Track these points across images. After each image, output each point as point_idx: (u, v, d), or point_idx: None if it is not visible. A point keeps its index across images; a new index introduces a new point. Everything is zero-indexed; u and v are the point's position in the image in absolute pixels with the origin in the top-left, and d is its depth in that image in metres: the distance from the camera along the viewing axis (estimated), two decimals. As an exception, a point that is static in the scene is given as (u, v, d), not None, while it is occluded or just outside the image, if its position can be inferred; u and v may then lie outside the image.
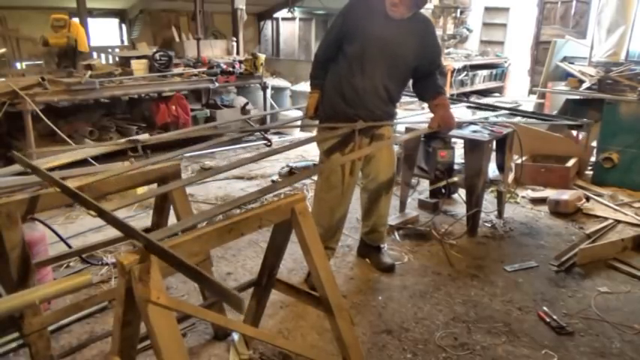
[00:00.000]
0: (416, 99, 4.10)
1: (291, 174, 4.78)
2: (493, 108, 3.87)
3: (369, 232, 3.14)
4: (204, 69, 5.79)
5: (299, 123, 3.73)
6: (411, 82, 2.95)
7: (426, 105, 3.07)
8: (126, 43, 8.49)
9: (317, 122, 2.93)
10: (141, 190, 4.13)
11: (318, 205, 2.93)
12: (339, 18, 2.76)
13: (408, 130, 3.70)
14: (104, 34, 8.43)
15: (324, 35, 2.90)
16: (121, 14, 8.52)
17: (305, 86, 6.82)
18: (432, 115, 2.90)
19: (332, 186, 2.84)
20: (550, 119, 3.70)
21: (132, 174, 2.12)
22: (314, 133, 3.15)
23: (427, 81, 2.88)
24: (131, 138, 2.26)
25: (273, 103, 6.77)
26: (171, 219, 2.31)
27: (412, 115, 4.26)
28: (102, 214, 1.43)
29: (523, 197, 4.36)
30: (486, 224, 3.80)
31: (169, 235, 1.51)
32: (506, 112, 3.59)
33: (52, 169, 1.91)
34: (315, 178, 3.54)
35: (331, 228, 2.94)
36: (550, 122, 3.67)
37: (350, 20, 2.71)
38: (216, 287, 1.27)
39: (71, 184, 1.71)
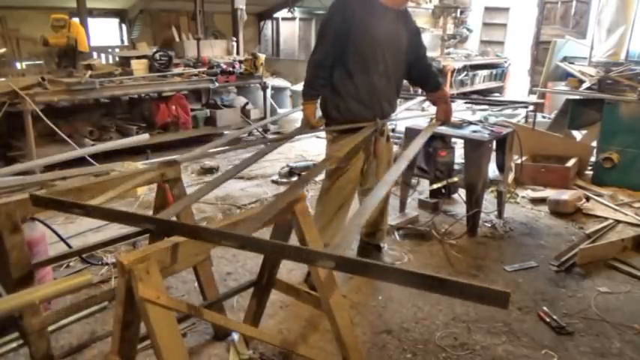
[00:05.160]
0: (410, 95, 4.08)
1: (291, 174, 4.78)
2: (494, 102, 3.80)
3: (369, 232, 3.13)
4: (204, 69, 5.79)
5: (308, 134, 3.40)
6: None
7: (425, 105, 3.08)
8: (126, 43, 8.51)
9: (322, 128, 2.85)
10: (141, 191, 4.15)
11: (322, 205, 2.87)
12: (335, 16, 2.60)
13: (407, 130, 3.71)
14: (104, 34, 8.45)
15: (319, 37, 2.70)
16: (121, 14, 8.54)
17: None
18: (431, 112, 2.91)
19: (341, 187, 2.81)
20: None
21: (132, 175, 2.12)
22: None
23: (421, 66, 2.92)
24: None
25: (273, 103, 6.77)
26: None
27: (410, 112, 4.23)
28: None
29: (523, 197, 4.36)
30: (486, 224, 3.80)
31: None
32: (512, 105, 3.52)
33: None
34: (316, 178, 3.52)
35: (333, 228, 2.92)
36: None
37: (348, 18, 2.58)
38: None
39: (71, 185, 1.72)
